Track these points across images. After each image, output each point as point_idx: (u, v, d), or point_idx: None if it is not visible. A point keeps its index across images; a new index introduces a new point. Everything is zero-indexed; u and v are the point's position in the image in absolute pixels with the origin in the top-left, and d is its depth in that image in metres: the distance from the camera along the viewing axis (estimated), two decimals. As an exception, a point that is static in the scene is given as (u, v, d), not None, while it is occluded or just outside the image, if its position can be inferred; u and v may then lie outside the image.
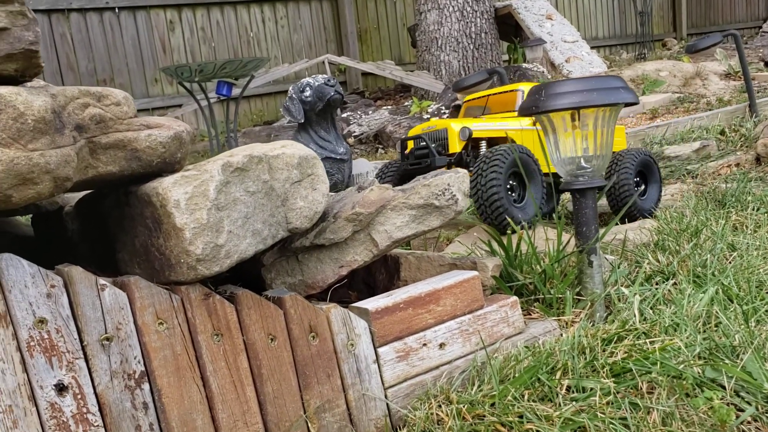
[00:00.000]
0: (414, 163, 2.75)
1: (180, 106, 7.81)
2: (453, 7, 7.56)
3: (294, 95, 3.04)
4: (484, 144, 2.74)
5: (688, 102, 5.72)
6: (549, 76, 6.67)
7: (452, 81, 7.51)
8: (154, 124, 1.20)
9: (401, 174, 2.93)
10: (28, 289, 1.06)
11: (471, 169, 2.53)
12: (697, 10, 12.11)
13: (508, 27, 8.02)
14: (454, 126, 2.70)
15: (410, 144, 2.84)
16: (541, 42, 7.25)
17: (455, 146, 2.69)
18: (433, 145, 2.69)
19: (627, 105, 1.60)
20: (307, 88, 3.02)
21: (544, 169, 2.66)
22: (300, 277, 1.53)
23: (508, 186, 2.44)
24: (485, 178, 2.36)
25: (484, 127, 2.75)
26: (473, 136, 2.68)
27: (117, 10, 7.79)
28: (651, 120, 5.25)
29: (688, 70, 6.52)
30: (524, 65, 6.75)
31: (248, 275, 1.56)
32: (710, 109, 5.11)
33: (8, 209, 1.05)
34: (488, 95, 3.13)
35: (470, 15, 7.58)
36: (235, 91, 5.99)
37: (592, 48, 8.08)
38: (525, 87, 2.95)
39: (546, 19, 7.76)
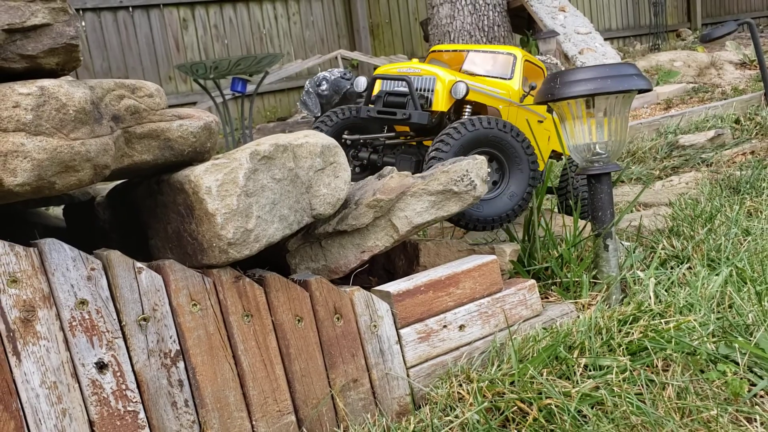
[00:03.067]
0: (384, 111, 2.11)
1: (194, 103, 7.89)
2: (465, 0, 7.58)
3: (311, 89, 3.10)
4: (468, 110, 2.17)
5: (703, 92, 5.72)
6: (563, 68, 6.68)
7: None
8: (185, 114, 1.25)
9: (343, 125, 2.33)
10: (69, 272, 1.12)
11: None
12: (712, 0, 12.03)
13: (521, 19, 8.03)
14: (445, 76, 2.09)
15: (379, 84, 2.21)
16: (554, 34, 7.25)
17: (441, 103, 2.08)
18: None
19: (641, 92, 1.63)
20: (324, 82, 3.07)
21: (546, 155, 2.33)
22: (323, 263, 1.58)
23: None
24: (429, 153, 1.90)
25: (479, 88, 2.17)
26: (466, 97, 2.10)
27: (131, 9, 7.88)
28: (665, 110, 5.25)
29: (702, 59, 6.50)
30: (537, 57, 6.76)
31: (273, 261, 1.61)
32: (725, 99, 5.11)
33: (51, 196, 1.11)
34: (468, 50, 2.45)
35: (483, 8, 7.59)
36: (250, 88, 6.05)
37: (605, 39, 8.07)
38: (518, 53, 2.36)
39: (559, 11, 7.76)
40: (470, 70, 2.35)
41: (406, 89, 2.09)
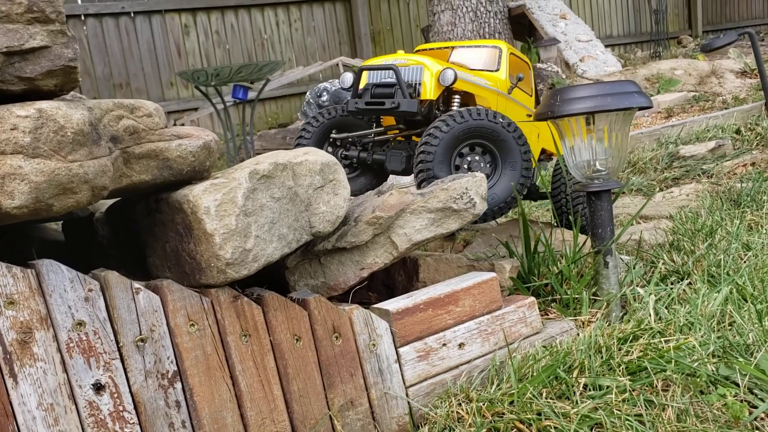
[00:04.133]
0: (372, 102, 2.06)
1: (196, 109, 7.91)
2: (466, 7, 7.59)
3: (311, 99, 3.10)
4: (457, 100, 2.13)
5: (704, 100, 5.72)
6: (563, 76, 6.68)
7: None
8: (184, 134, 1.25)
9: (330, 125, 2.28)
10: (67, 293, 1.12)
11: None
12: (713, 7, 12.04)
13: (522, 27, 8.04)
14: (432, 65, 2.05)
15: (365, 77, 2.15)
16: (555, 42, 7.26)
17: (429, 91, 2.03)
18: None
19: (641, 109, 1.63)
20: (324, 93, 3.07)
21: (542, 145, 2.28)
22: (322, 279, 1.57)
23: (469, 162, 1.93)
24: (419, 146, 1.87)
25: (468, 77, 2.13)
26: (454, 87, 2.06)
27: (133, 15, 7.89)
28: (666, 119, 5.25)
29: (703, 68, 6.51)
30: (538, 65, 6.77)
31: (272, 278, 1.61)
32: (726, 108, 5.11)
33: (49, 217, 1.11)
34: (452, 47, 2.42)
35: (484, 15, 7.60)
36: (251, 95, 6.05)
37: (606, 47, 8.07)
38: (504, 46, 2.33)
39: (560, 18, 7.77)
40: (457, 62, 2.31)
41: (393, 80, 2.04)
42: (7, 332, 1.07)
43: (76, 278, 1.12)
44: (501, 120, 1.91)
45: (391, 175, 2.45)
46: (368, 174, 2.30)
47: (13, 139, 1.01)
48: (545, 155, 2.68)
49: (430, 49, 2.43)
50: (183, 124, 7.28)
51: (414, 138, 2.19)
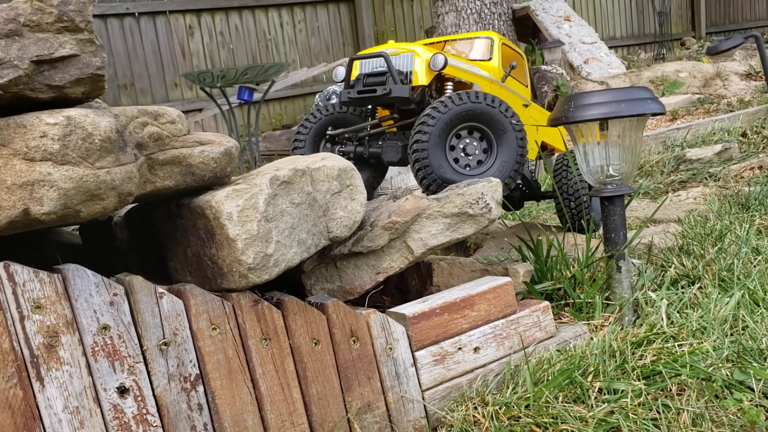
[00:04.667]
0: (364, 90, 2.07)
1: (200, 110, 7.92)
2: (471, 9, 7.60)
3: (321, 103, 3.11)
4: (450, 87, 2.13)
5: (709, 103, 5.73)
6: (568, 78, 6.69)
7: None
8: (206, 140, 1.27)
9: (326, 122, 2.29)
10: (92, 297, 1.13)
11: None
12: (717, 9, 12.04)
13: (526, 28, 8.05)
14: (423, 51, 2.06)
15: (356, 67, 2.16)
16: (560, 44, 7.27)
17: (421, 77, 2.05)
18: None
19: (654, 115, 1.64)
20: (333, 96, 3.09)
21: (534, 136, 2.27)
22: (338, 283, 1.59)
23: (464, 145, 1.93)
24: (415, 129, 1.87)
25: (459, 63, 2.14)
26: (446, 72, 2.07)
27: (137, 16, 7.91)
28: (671, 122, 5.27)
29: (708, 70, 6.52)
30: (543, 67, 6.78)
31: (288, 281, 1.62)
32: (731, 110, 5.12)
33: (75, 222, 1.12)
34: (445, 41, 2.47)
35: (488, 17, 7.61)
36: (256, 96, 6.07)
37: (610, 48, 8.08)
38: (495, 36, 2.36)
39: (564, 20, 7.78)
40: (450, 53, 2.33)
41: (384, 68, 2.05)
42: (34, 336, 1.09)
43: (102, 283, 1.14)
44: (498, 104, 1.91)
45: (390, 169, 2.45)
46: (367, 168, 2.29)
47: (42, 147, 1.02)
48: (547, 150, 2.69)
49: (423, 45, 2.39)
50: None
51: (410, 128, 2.19)
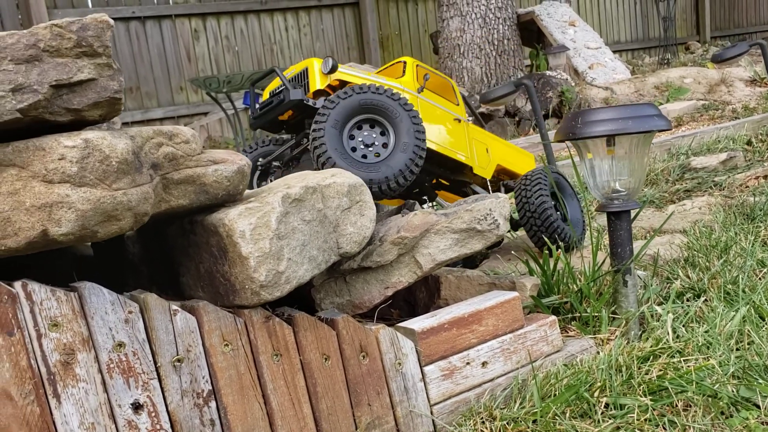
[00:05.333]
0: (264, 104, 2.30)
1: (206, 113, 7.96)
2: (476, 14, 7.62)
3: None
4: None
5: (713, 109, 5.74)
6: (572, 83, 6.70)
7: (474, 87, 7.58)
8: (219, 159, 1.28)
9: (257, 155, 2.45)
10: (108, 315, 1.15)
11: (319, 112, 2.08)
12: (721, 13, 12.04)
13: (531, 33, 8.07)
14: (315, 62, 2.27)
15: (266, 94, 2.41)
16: (564, 49, 7.28)
17: (315, 82, 2.23)
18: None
19: (660, 132, 1.66)
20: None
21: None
22: (347, 298, 1.61)
23: (362, 137, 2.06)
24: (312, 128, 2.00)
25: (352, 71, 2.32)
26: (338, 75, 2.21)
27: (143, 20, 7.94)
28: (676, 128, 5.28)
29: (712, 76, 6.52)
30: (548, 72, 6.79)
31: (298, 295, 1.64)
32: (736, 117, 5.13)
33: (92, 242, 1.14)
34: (382, 69, 2.72)
35: (493, 22, 7.63)
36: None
37: (614, 52, 8.09)
38: (408, 60, 2.53)
39: (569, 25, 7.79)
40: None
41: (282, 87, 2.21)
42: (51, 354, 1.11)
43: (117, 301, 1.16)
44: (383, 91, 2.01)
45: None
46: None
47: (60, 169, 1.04)
48: (506, 175, 2.75)
49: (370, 73, 2.62)
50: (193, 128, 7.34)
51: None
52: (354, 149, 2.02)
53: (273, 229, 1.28)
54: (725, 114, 5.47)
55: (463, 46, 7.68)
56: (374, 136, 2.04)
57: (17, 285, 1.09)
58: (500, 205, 1.57)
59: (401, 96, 2.04)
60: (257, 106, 2.34)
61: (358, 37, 9.31)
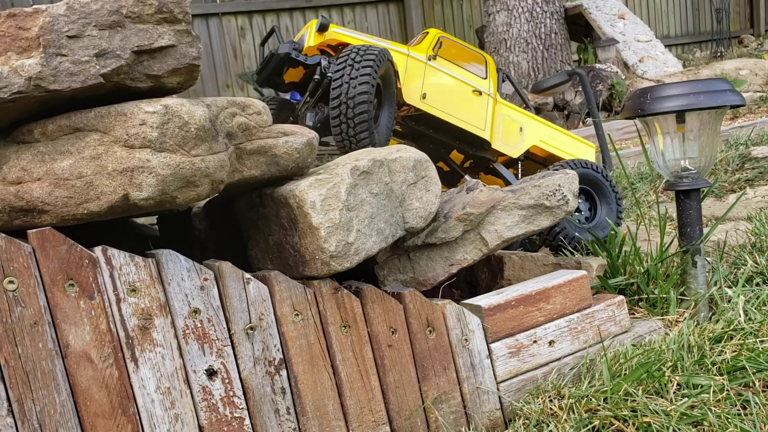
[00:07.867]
0: (263, 61, 2.47)
1: (253, 110, 8.03)
2: (522, 8, 7.54)
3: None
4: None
5: (771, 101, 5.56)
6: (623, 77, 6.58)
7: (521, 82, 7.50)
8: (290, 131, 1.29)
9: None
10: (184, 282, 1.17)
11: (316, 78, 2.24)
12: (776, 5, 11.66)
13: (578, 27, 7.94)
14: (313, 24, 2.43)
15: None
16: (614, 42, 7.15)
17: (309, 39, 2.38)
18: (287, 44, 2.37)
19: (733, 107, 1.61)
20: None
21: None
22: (411, 275, 1.60)
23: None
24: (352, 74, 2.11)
25: (347, 32, 2.44)
26: (333, 36, 2.32)
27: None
28: (732, 120, 5.13)
29: (769, 67, 6.33)
30: (597, 65, 6.68)
31: (361, 272, 1.64)
32: (796, 108, 4.96)
33: (171, 209, 1.16)
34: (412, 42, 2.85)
35: (540, 15, 7.53)
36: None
37: (664, 47, 7.91)
38: (431, 30, 2.69)
39: (618, 18, 7.65)
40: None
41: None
42: (130, 318, 1.12)
43: (193, 268, 1.17)
44: (366, 48, 2.13)
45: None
46: None
47: (141, 134, 1.06)
48: (543, 158, 2.72)
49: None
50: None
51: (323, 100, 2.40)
52: None
53: (342, 200, 1.28)
54: (784, 105, 5.30)
55: (510, 41, 7.61)
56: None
57: (97, 250, 1.11)
58: (569, 181, 1.54)
59: (381, 49, 2.19)
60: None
61: (403, 33, 9.29)
